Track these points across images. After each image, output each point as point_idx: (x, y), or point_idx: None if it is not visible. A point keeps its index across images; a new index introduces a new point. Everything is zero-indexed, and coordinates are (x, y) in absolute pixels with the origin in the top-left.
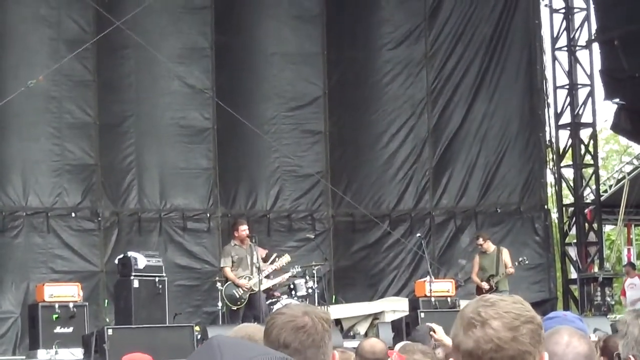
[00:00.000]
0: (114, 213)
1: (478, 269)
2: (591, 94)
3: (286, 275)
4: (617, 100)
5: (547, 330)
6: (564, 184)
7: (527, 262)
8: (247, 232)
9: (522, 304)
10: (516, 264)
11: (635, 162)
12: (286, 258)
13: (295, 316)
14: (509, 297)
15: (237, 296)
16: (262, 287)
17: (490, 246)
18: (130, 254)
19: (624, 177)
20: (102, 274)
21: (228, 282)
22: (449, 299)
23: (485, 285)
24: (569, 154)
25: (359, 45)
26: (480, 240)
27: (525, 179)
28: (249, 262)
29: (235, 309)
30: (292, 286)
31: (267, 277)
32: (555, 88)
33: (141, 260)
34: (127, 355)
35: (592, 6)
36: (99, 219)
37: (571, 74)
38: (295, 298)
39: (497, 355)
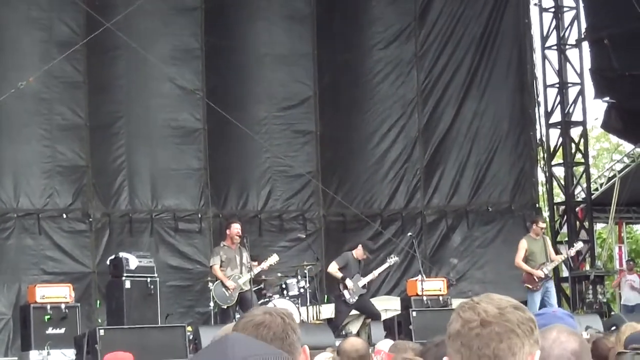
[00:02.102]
0: (105, 214)
1: (524, 254)
2: (581, 92)
3: (381, 268)
4: (607, 98)
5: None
6: (554, 183)
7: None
8: (239, 231)
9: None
10: (572, 250)
11: (626, 160)
12: (274, 258)
13: (255, 315)
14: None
15: (227, 295)
16: (364, 282)
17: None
18: (121, 254)
19: (614, 176)
20: (93, 275)
21: (217, 281)
22: (440, 298)
23: (540, 274)
24: (559, 153)
25: (349, 46)
26: (542, 224)
27: (516, 178)
28: (238, 263)
29: (225, 307)
30: (284, 286)
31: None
32: (546, 87)
33: (133, 261)
34: (109, 355)
35: (581, 5)
36: (90, 220)
37: (561, 72)
38: (287, 298)
39: (484, 330)
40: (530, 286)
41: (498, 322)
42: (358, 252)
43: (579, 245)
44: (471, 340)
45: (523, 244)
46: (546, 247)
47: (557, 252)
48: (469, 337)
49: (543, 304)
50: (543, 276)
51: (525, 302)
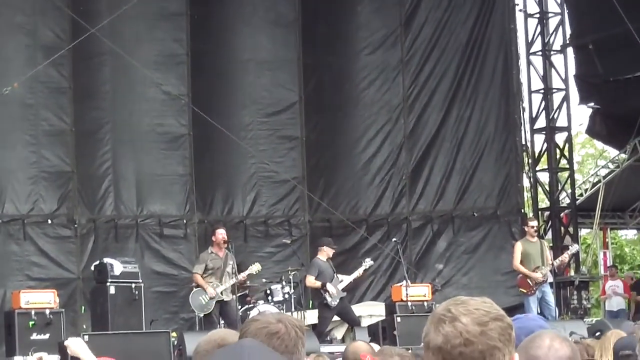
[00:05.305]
0: (91, 220)
1: (521, 257)
2: (566, 98)
3: (361, 270)
4: (591, 104)
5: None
6: (539, 188)
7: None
8: (224, 236)
9: (491, 303)
10: (567, 254)
11: (611, 165)
12: (256, 267)
13: (269, 322)
14: (479, 297)
15: (204, 303)
16: (342, 286)
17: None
18: (106, 260)
19: (599, 181)
20: (78, 281)
21: (194, 290)
22: (425, 304)
23: (539, 277)
24: (544, 158)
25: (335, 51)
26: (532, 223)
27: (502, 183)
28: (222, 272)
29: (203, 316)
30: (268, 292)
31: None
32: (530, 92)
33: (117, 267)
34: None
35: (566, 11)
36: (76, 225)
37: (546, 78)
38: (272, 303)
39: (467, 349)
40: (525, 290)
41: (480, 341)
42: (323, 254)
43: (574, 248)
44: (454, 358)
45: (518, 247)
46: (543, 250)
47: (557, 256)
48: (452, 355)
49: (541, 307)
50: (541, 280)
51: (510, 308)
